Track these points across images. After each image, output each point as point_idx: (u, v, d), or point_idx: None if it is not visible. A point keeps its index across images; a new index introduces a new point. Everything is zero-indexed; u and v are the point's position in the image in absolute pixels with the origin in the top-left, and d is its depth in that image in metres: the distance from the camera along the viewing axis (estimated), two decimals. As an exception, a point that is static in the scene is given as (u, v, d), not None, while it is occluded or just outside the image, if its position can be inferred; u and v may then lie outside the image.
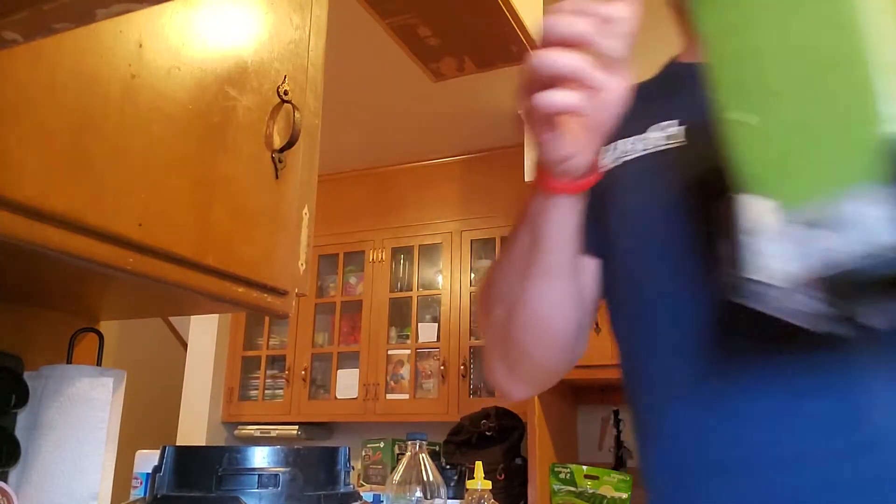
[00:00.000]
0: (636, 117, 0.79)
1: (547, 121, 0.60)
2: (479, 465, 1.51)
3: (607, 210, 0.77)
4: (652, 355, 0.73)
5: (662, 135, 0.76)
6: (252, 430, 3.83)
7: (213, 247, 0.81)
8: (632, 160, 0.76)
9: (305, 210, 0.97)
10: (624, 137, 0.78)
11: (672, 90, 0.83)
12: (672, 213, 0.71)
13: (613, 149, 0.79)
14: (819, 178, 0.46)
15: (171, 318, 4.41)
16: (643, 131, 0.77)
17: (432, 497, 1.35)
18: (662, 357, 0.71)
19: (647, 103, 0.81)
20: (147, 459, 1.11)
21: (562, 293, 0.72)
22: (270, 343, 3.98)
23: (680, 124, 0.75)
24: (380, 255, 3.82)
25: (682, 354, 0.69)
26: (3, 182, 0.59)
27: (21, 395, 0.91)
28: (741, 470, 0.62)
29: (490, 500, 1.47)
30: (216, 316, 3.92)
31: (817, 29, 0.46)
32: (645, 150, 0.76)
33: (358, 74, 3.09)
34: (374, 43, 2.70)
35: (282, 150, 0.92)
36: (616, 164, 0.77)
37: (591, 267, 0.79)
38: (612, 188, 0.76)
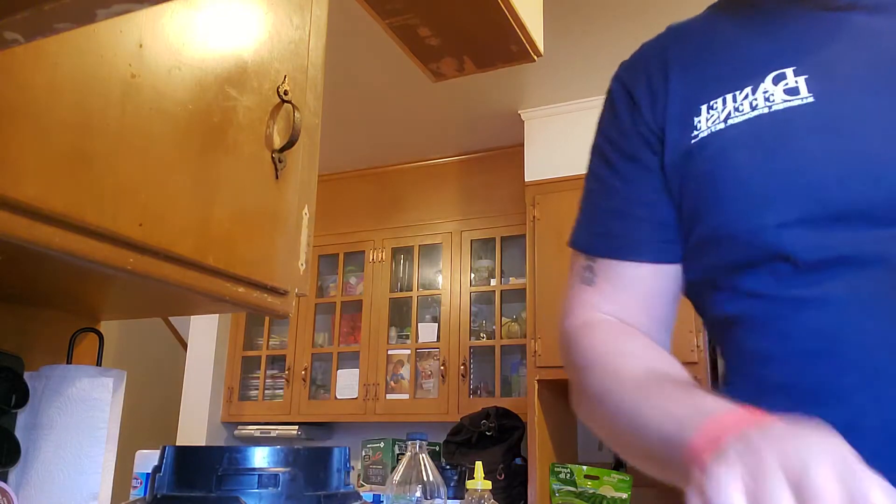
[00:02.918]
0: (736, 60, 0.67)
1: None
2: (479, 465, 1.51)
3: (708, 187, 0.65)
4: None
5: (777, 87, 0.63)
6: (252, 430, 3.83)
7: (213, 247, 0.81)
8: (741, 122, 0.64)
9: (305, 210, 0.97)
10: (730, 91, 0.65)
11: (771, 22, 0.68)
12: (802, 199, 0.59)
13: (721, 106, 0.65)
14: None
15: (171, 318, 4.41)
16: (752, 83, 0.64)
17: (432, 497, 1.35)
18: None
19: (745, 38, 0.68)
20: (147, 459, 1.11)
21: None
22: (270, 343, 3.98)
23: (797, 74, 0.62)
24: (380, 255, 3.82)
25: None
26: (3, 182, 0.59)
27: (21, 395, 0.91)
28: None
29: (490, 500, 1.47)
30: (216, 316, 3.92)
31: None
32: (756, 108, 0.63)
33: (358, 74, 3.09)
34: (374, 43, 2.70)
35: (282, 150, 0.92)
36: (720, 126, 0.65)
37: (672, 275, 0.71)
38: (718, 158, 0.64)
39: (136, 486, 1.11)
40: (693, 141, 0.67)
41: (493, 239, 3.63)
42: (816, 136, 0.60)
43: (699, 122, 0.67)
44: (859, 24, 0.63)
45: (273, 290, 0.91)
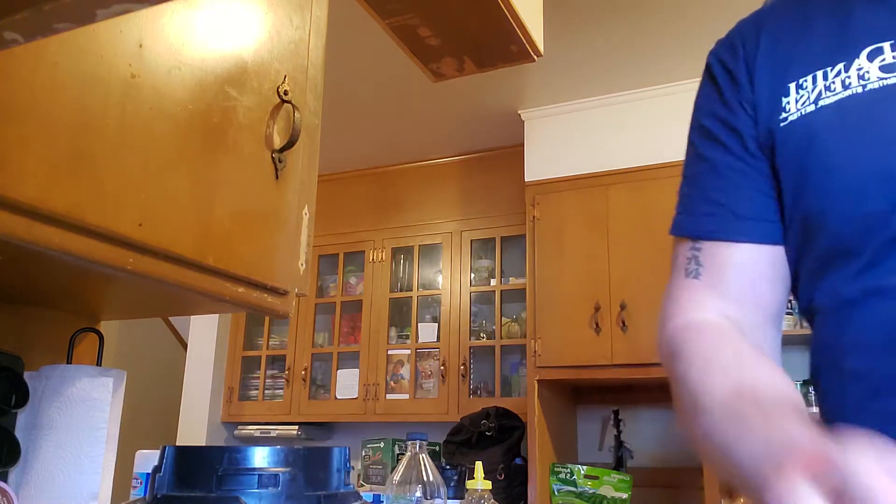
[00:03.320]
0: (829, 34, 0.64)
1: None
2: (479, 465, 1.51)
3: (800, 173, 0.63)
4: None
5: (873, 64, 0.59)
6: (252, 430, 3.83)
7: (213, 247, 0.81)
8: (832, 104, 0.60)
9: (305, 210, 0.97)
10: (822, 67, 0.62)
11: None
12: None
13: (811, 85, 0.62)
14: None
15: (171, 318, 4.41)
16: (846, 59, 0.60)
17: (432, 497, 1.35)
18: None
19: (841, 12, 0.64)
20: (147, 459, 1.11)
21: None
22: (270, 343, 3.98)
23: (895, 48, 0.58)
24: (380, 255, 3.82)
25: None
26: (3, 182, 0.59)
27: (21, 395, 0.91)
28: None
29: (490, 500, 1.47)
30: (216, 316, 3.92)
31: None
32: (849, 87, 0.60)
33: (358, 74, 3.09)
34: (374, 43, 2.70)
35: (282, 150, 0.92)
36: (810, 108, 0.62)
37: (780, 258, 0.67)
38: (808, 144, 0.61)
39: (136, 486, 1.11)
40: (783, 124, 0.65)
41: (493, 239, 3.63)
42: None
43: (787, 102, 0.64)
44: None
45: (273, 290, 0.91)
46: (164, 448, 0.67)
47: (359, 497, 0.70)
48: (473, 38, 1.21)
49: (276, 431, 3.78)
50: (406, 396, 3.60)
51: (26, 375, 0.92)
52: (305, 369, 3.79)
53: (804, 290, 0.67)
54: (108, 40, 0.69)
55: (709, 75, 0.74)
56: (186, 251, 0.77)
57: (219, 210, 0.82)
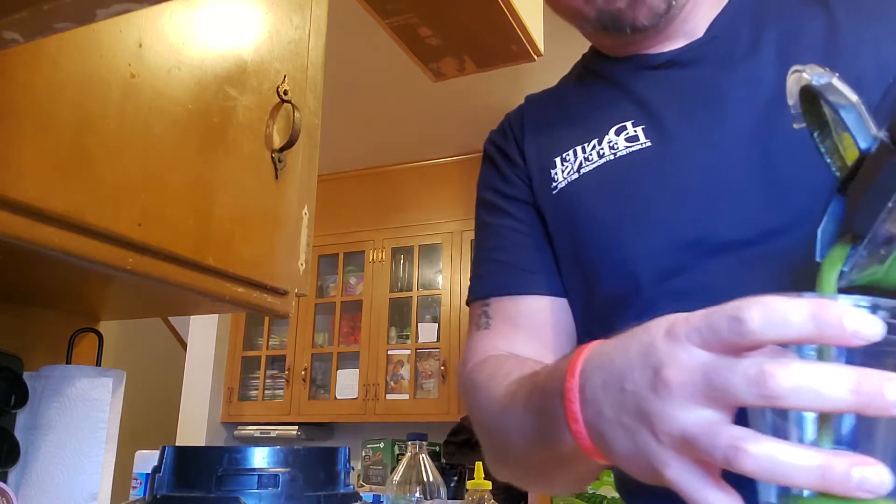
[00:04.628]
0: (582, 118, 0.76)
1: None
2: (479, 466, 1.51)
3: (573, 232, 0.72)
4: None
5: (620, 137, 0.71)
6: (252, 430, 3.83)
7: (213, 247, 0.81)
8: (592, 170, 0.72)
9: (305, 210, 0.97)
10: (580, 143, 0.74)
11: (610, 84, 0.77)
12: (643, 227, 0.66)
13: (573, 158, 0.74)
14: None
15: (171, 318, 4.41)
16: (599, 135, 0.73)
17: (432, 497, 1.35)
18: None
19: (589, 101, 0.78)
20: (147, 459, 1.11)
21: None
22: (270, 343, 3.98)
23: (635, 125, 0.71)
24: (380, 255, 3.82)
25: None
26: (4, 182, 0.59)
27: (21, 395, 0.90)
28: None
29: (490, 500, 1.47)
30: (216, 316, 3.92)
31: None
32: (604, 157, 0.71)
33: (358, 74, 3.09)
34: (374, 43, 2.70)
35: (282, 150, 0.92)
36: (575, 176, 0.73)
37: (567, 309, 0.75)
38: (576, 205, 0.72)
39: (135, 487, 1.11)
40: (554, 192, 0.74)
41: (493, 239, 3.63)
42: (656, 174, 0.68)
43: (556, 173, 0.75)
44: (680, 77, 0.72)
45: (273, 290, 0.91)
46: (164, 448, 0.67)
47: (359, 497, 0.70)
48: (473, 38, 1.21)
49: (276, 432, 3.78)
50: (406, 396, 3.60)
51: (26, 375, 0.92)
52: (305, 369, 3.79)
53: (590, 337, 0.71)
54: (108, 40, 0.69)
55: (487, 158, 0.86)
56: (186, 251, 0.77)
57: (218, 210, 0.82)
